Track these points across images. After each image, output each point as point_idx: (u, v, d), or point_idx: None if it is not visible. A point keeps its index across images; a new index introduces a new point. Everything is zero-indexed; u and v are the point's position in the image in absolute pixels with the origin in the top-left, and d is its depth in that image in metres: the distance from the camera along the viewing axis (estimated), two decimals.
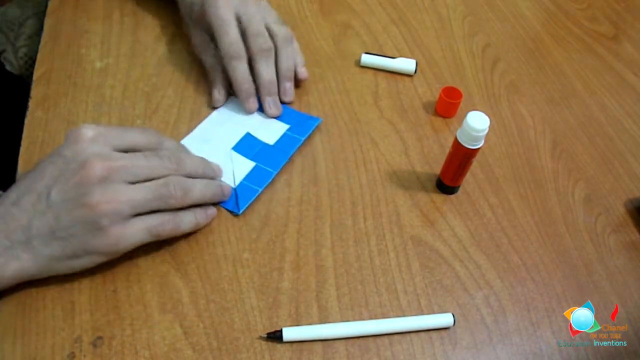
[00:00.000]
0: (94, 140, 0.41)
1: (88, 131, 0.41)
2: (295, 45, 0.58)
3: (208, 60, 0.56)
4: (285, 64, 0.56)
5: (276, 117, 0.56)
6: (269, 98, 0.55)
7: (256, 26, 0.54)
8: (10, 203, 0.39)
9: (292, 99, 0.57)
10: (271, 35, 0.55)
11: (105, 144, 0.41)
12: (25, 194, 0.40)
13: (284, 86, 0.56)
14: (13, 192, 0.40)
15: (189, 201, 0.44)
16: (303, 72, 0.58)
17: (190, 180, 0.44)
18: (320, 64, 0.63)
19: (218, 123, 0.54)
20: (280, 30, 0.55)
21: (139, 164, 0.41)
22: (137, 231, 0.41)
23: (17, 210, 0.39)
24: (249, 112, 0.55)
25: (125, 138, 0.43)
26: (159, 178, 0.42)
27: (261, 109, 0.56)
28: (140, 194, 0.41)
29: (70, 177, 0.39)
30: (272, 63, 0.55)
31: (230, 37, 0.52)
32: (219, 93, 0.56)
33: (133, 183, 0.41)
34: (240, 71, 0.53)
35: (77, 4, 0.64)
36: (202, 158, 0.48)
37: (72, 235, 0.39)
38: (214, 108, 0.56)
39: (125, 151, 0.42)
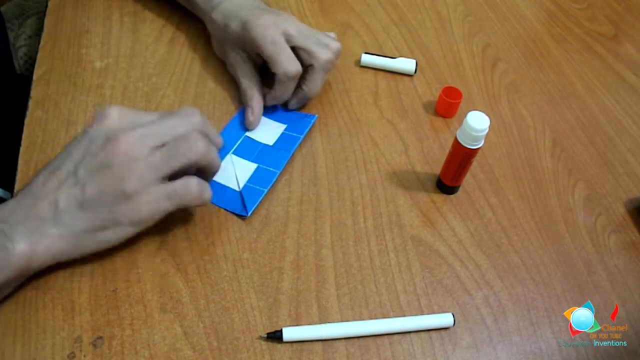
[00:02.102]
0: (119, 118, 0.42)
1: (114, 111, 0.42)
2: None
3: (244, 80, 0.56)
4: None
5: (272, 118, 0.56)
6: (299, 101, 0.57)
7: (315, 37, 0.55)
8: (38, 185, 0.41)
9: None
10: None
11: (128, 121, 0.42)
12: (53, 174, 0.41)
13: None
14: (40, 175, 0.41)
15: (212, 154, 0.44)
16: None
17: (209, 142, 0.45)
18: None
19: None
20: (333, 44, 0.56)
21: (159, 126, 0.42)
22: (160, 197, 0.42)
23: (45, 190, 0.40)
24: (251, 124, 0.55)
25: (148, 116, 0.44)
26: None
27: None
28: (159, 156, 0.41)
29: (97, 151, 0.41)
30: (326, 75, 0.56)
31: (288, 56, 0.53)
32: (253, 116, 0.55)
33: (160, 146, 0.42)
34: (290, 90, 0.55)
35: (77, 4, 0.64)
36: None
37: (99, 205, 0.40)
38: (247, 130, 0.55)
39: None
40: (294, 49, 0.53)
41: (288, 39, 0.53)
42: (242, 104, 0.56)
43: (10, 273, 0.39)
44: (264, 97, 0.56)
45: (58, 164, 0.41)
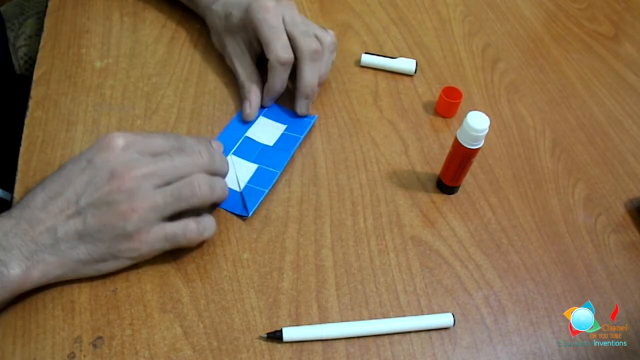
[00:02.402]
0: (124, 148, 0.41)
1: (119, 140, 0.41)
2: (334, 55, 0.58)
3: (242, 72, 0.56)
4: (324, 71, 0.56)
5: (272, 118, 0.56)
6: (306, 100, 0.55)
7: (305, 28, 0.54)
8: (37, 208, 0.40)
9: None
10: (318, 39, 0.55)
11: (134, 152, 0.42)
12: (53, 199, 0.40)
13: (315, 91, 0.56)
14: (39, 197, 0.40)
15: (215, 198, 0.44)
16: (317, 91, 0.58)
17: (214, 178, 0.45)
18: None
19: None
20: (326, 37, 0.55)
21: (165, 166, 0.42)
22: (159, 238, 0.42)
23: (44, 215, 0.40)
24: (248, 116, 0.55)
25: (152, 144, 0.43)
26: (188, 176, 0.43)
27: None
28: (162, 198, 0.41)
29: (101, 185, 0.40)
30: (318, 67, 0.55)
31: (282, 42, 0.53)
32: (250, 108, 0.55)
33: (163, 185, 0.41)
34: (283, 78, 0.54)
35: (77, 4, 0.65)
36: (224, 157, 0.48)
37: (99, 240, 0.40)
38: (246, 122, 0.55)
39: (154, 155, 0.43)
40: (288, 37, 0.54)
41: (284, 27, 0.53)
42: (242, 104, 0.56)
43: (4, 296, 0.39)
44: (262, 94, 0.56)
45: (58, 190, 0.41)
